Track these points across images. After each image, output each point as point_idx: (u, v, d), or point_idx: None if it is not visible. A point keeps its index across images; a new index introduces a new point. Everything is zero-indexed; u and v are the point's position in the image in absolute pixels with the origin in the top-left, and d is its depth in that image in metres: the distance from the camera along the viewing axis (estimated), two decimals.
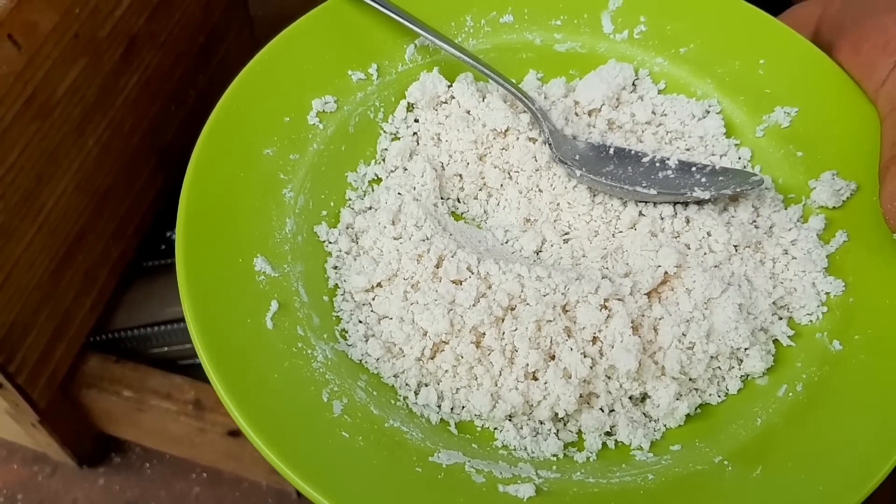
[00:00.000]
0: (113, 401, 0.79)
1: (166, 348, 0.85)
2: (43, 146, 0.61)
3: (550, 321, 0.42)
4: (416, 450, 0.38)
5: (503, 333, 0.42)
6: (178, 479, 0.89)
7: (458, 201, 0.50)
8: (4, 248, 0.61)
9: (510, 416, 0.42)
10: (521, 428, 0.42)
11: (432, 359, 0.43)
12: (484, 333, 0.42)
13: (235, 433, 0.77)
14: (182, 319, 0.82)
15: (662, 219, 0.47)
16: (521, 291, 0.43)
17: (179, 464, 0.89)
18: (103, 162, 0.70)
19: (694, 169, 0.47)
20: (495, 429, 0.42)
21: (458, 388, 0.42)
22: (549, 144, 0.48)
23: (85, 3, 0.61)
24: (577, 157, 0.48)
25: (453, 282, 0.44)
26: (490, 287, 0.43)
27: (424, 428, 0.40)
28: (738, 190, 0.46)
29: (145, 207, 0.81)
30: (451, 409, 0.42)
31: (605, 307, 0.43)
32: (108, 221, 0.74)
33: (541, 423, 0.42)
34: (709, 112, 0.51)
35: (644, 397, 0.43)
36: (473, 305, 0.42)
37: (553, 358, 0.42)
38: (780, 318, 0.44)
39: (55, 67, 0.60)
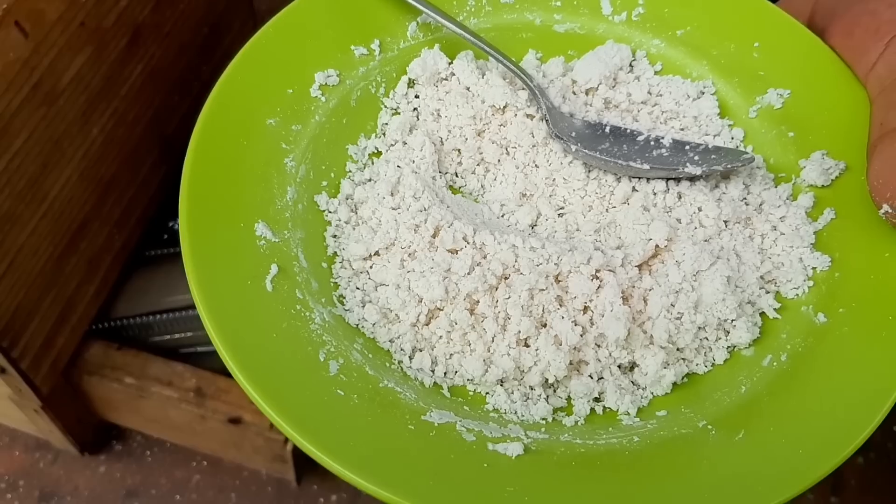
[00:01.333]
0: (114, 388, 0.80)
1: (168, 336, 0.86)
2: (48, 133, 0.62)
3: (543, 290, 0.43)
4: (409, 409, 0.40)
5: (496, 301, 0.43)
6: (179, 466, 0.90)
7: (457, 175, 0.51)
8: (9, 235, 0.62)
9: (501, 380, 0.43)
10: (512, 393, 0.43)
11: (427, 325, 0.44)
12: (478, 301, 0.43)
13: (236, 421, 0.78)
14: (183, 308, 0.84)
15: (655, 194, 0.48)
16: (515, 261, 0.44)
17: (180, 451, 0.90)
18: (107, 151, 0.71)
19: (687, 147, 0.48)
20: (487, 393, 0.43)
21: (451, 354, 0.43)
22: (546, 121, 0.49)
23: None
24: (573, 133, 0.49)
25: (449, 251, 0.45)
26: (485, 257, 0.45)
27: (418, 390, 0.41)
28: (729, 167, 0.47)
29: (148, 197, 0.82)
30: (445, 373, 0.43)
31: (597, 277, 0.44)
32: (111, 210, 0.76)
33: (531, 388, 0.43)
34: (703, 93, 0.52)
35: (632, 366, 0.44)
36: (468, 274, 0.44)
37: (545, 326, 0.43)
38: (768, 292, 0.45)
39: (61, 55, 0.61)
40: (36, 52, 0.58)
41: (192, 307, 0.84)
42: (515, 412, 0.42)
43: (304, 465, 0.82)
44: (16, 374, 0.68)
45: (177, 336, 0.86)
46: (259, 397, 0.37)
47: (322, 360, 0.40)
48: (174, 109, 0.81)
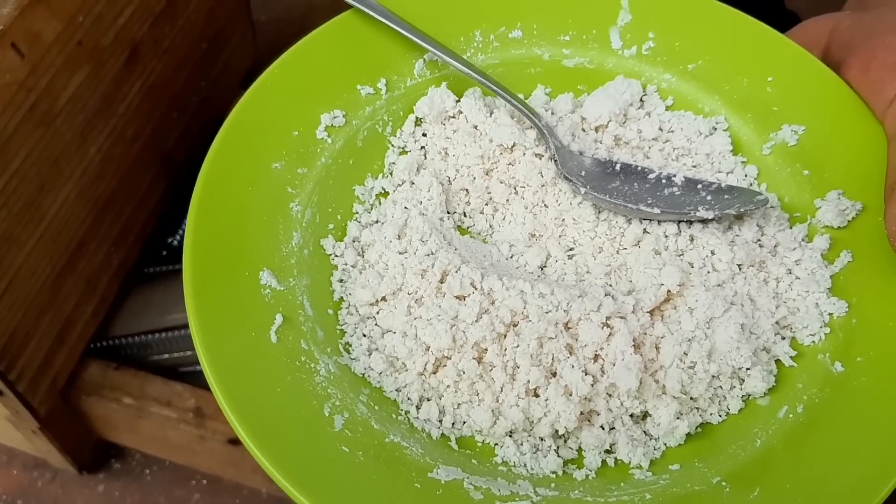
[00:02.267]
0: (113, 408, 0.79)
1: (167, 355, 0.85)
2: (46, 154, 0.62)
3: (552, 338, 0.42)
4: (415, 465, 0.39)
5: (505, 350, 0.42)
6: (178, 485, 0.89)
7: (465, 216, 0.51)
8: (7, 256, 0.61)
9: (510, 432, 0.42)
10: (522, 444, 0.42)
11: (434, 374, 0.43)
12: (486, 349, 0.42)
13: (236, 441, 0.77)
14: (183, 326, 0.83)
15: (667, 237, 0.47)
16: (524, 308, 0.43)
17: (179, 470, 0.89)
18: (106, 169, 0.71)
19: (700, 186, 0.47)
20: (495, 445, 0.42)
21: (459, 404, 0.43)
22: (555, 160, 0.49)
23: (88, 12, 0.62)
24: (582, 173, 0.48)
25: (457, 297, 0.44)
26: (493, 303, 0.44)
27: (425, 443, 0.41)
28: (742, 210, 0.46)
29: (147, 214, 0.81)
30: (453, 423, 0.42)
31: (607, 325, 0.43)
32: (110, 228, 0.75)
33: (541, 439, 0.42)
34: (716, 129, 0.51)
35: (645, 415, 0.43)
36: (476, 321, 0.43)
37: (554, 375, 0.42)
38: (783, 338, 0.44)
39: (58, 75, 0.60)
40: (33, 73, 0.58)
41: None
42: (525, 465, 0.41)
43: None
44: (13, 397, 0.68)
45: (176, 355, 0.85)
46: (266, 460, 0.36)
47: (327, 414, 0.39)
48: (173, 126, 0.80)
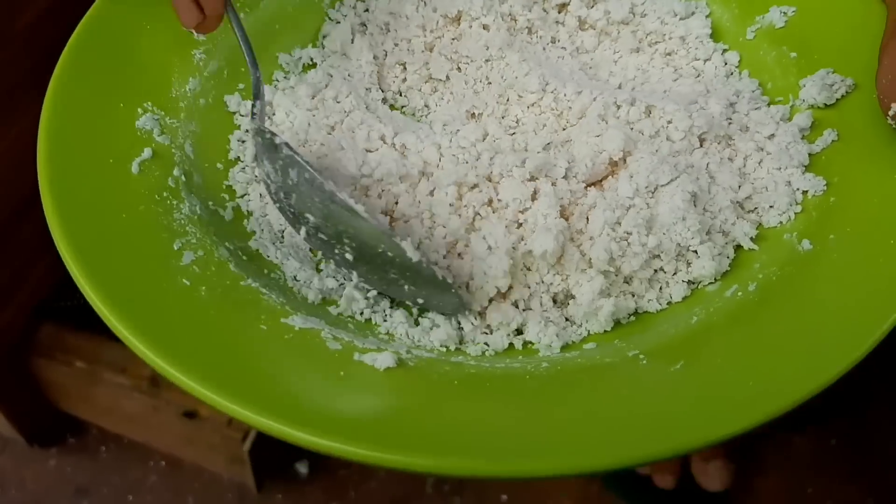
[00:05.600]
0: (64, 372, 0.73)
1: None
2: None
3: (473, 188, 0.36)
4: (267, 308, 0.32)
5: (418, 201, 0.36)
6: (135, 465, 0.81)
7: (400, 95, 0.45)
8: None
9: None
10: (415, 321, 0.35)
11: None
12: (397, 201, 0.36)
13: (192, 415, 0.70)
14: None
15: (619, 106, 0.40)
16: (440, 160, 0.37)
17: (137, 449, 0.81)
18: None
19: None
20: (384, 321, 0.35)
21: None
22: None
23: None
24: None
25: (366, 150, 0.38)
26: (405, 157, 0.38)
27: (293, 300, 0.34)
28: None
29: None
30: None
31: (534, 185, 0.36)
32: None
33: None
34: (694, 12, 0.44)
35: (568, 297, 0.36)
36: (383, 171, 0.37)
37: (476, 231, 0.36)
38: (745, 221, 0.36)
39: None
40: None
41: None
42: (412, 337, 0.34)
43: (265, 469, 0.74)
44: None
45: None
46: (80, 275, 0.31)
47: (176, 248, 0.33)
48: None
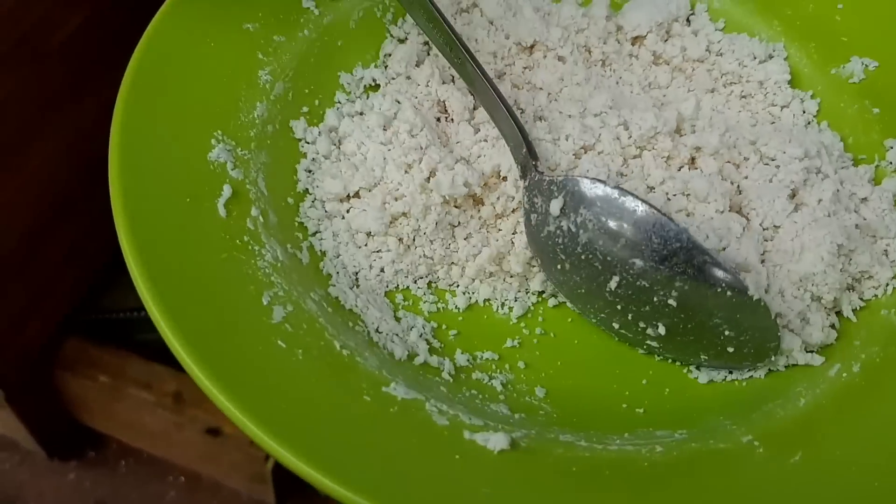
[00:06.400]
0: (88, 386, 0.72)
1: (153, 335, 0.78)
2: (31, 97, 0.55)
3: None
4: (367, 376, 0.31)
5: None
6: (154, 480, 0.81)
7: (468, 123, 0.43)
8: None
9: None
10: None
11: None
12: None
13: (215, 432, 0.69)
14: None
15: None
16: None
17: (156, 465, 0.81)
18: (102, 125, 0.63)
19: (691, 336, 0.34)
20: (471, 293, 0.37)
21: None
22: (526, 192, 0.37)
23: None
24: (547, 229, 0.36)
25: (446, 200, 0.36)
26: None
27: (384, 359, 0.32)
28: (749, 373, 0.35)
29: None
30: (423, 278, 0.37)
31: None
32: (100, 194, 0.67)
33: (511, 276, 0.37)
34: (773, 56, 0.43)
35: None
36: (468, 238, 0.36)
37: None
38: (850, 289, 0.36)
39: (53, 11, 0.54)
40: (22, 4, 0.52)
41: None
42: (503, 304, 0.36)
43: (287, 487, 0.73)
44: None
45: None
46: (173, 337, 0.28)
47: (266, 303, 0.31)
48: None
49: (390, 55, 0.43)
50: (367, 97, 0.42)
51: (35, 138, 0.58)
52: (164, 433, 0.73)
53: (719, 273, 0.32)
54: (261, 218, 0.34)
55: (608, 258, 0.33)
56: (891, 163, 0.39)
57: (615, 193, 0.33)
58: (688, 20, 0.45)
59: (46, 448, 0.79)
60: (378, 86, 0.42)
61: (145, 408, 0.71)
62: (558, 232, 0.34)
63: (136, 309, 0.77)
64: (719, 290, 0.32)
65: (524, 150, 0.36)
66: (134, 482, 0.80)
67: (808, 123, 0.42)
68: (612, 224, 0.33)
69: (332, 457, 0.27)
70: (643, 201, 0.32)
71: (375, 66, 0.43)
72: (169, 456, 0.78)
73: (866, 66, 0.42)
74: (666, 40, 0.44)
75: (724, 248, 0.35)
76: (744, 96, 0.43)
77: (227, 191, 0.34)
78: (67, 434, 0.80)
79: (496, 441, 0.29)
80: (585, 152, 0.38)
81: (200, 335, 0.28)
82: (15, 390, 0.68)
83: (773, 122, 0.42)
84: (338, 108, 0.41)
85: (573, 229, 0.34)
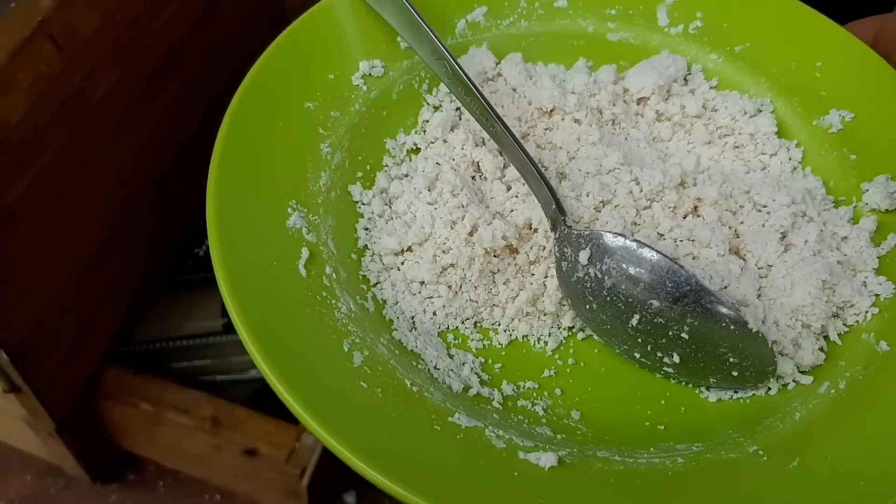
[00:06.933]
0: (130, 413, 0.77)
1: (187, 363, 0.84)
2: (77, 150, 0.60)
3: None
4: (435, 408, 0.37)
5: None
6: (191, 499, 0.86)
7: (500, 180, 0.49)
8: (32, 251, 0.60)
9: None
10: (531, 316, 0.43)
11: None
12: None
13: (252, 452, 0.75)
14: (203, 335, 0.81)
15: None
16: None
17: (193, 484, 0.86)
18: (136, 171, 0.69)
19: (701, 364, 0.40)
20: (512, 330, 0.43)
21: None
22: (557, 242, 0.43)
23: (127, 11, 0.61)
24: (577, 275, 0.41)
25: (487, 251, 0.42)
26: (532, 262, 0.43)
27: (445, 392, 0.39)
28: (753, 392, 0.41)
29: (175, 220, 0.80)
30: (474, 322, 0.43)
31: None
32: (137, 231, 0.73)
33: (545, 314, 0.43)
34: (761, 110, 0.50)
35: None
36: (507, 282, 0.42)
37: None
38: (835, 316, 0.42)
39: (94, 72, 0.59)
40: (69, 66, 0.57)
41: (213, 334, 0.83)
42: (539, 339, 0.42)
43: (318, 502, 0.79)
44: (31, 394, 0.66)
45: (196, 363, 0.83)
46: (281, 386, 0.34)
47: (346, 349, 0.37)
48: (209, 131, 0.78)
49: (428, 121, 0.49)
50: (410, 160, 0.48)
51: (80, 186, 0.63)
52: (204, 455, 0.78)
53: (723, 310, 0.38)
54: (334, 274, 0.41)
55: (629, 299, 0.39)
56: (867, 204, 0.45)
57: (633, 245, 0.39)
58: (685, 79, 0.51)
59: (90, 473, 0.84)
60: (419, 149, 0.49)
61: (185, 432, 0.76)
62: (586, 277, 0.40)
63: (168, 339, 0.83)
64: (724, 324, 0.38)
65: (553, 206, 0.42)
66: (172, 501, 0.86)
67: (794, 169, 0.48)
68: (632, 271, 0.39)
69: (414, 478, 0.33)
70: (657, 251, 0.39)
71: (416, 132, 0.49)
72: (206, 476, 0.83)
73: (843, 117, 0.48)
74: (667, 99, 0.50)
75: (725, 287, 0.41)
76: (737, 147, 0.49)
77: (305, 253, 0.40)
78: (109, 459, 0.85)
79: (546, 459, 0.35)
80: (604, 206, 0.44)
81: (300, 382, 0.34)
82: (64, 422, 0.72)
83: (764, 169, 0.48)
84: (386, 171, 0.47)
85: (599, 276, 0.40)
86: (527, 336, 0.43)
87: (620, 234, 0.40)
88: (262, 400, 0.81)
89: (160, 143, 0.71)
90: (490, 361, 0.42)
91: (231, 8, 0.76)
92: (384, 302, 0.42)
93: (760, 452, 0.37)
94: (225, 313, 0.80)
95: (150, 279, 0.79)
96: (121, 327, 0.77)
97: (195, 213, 0.79)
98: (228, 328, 0.83)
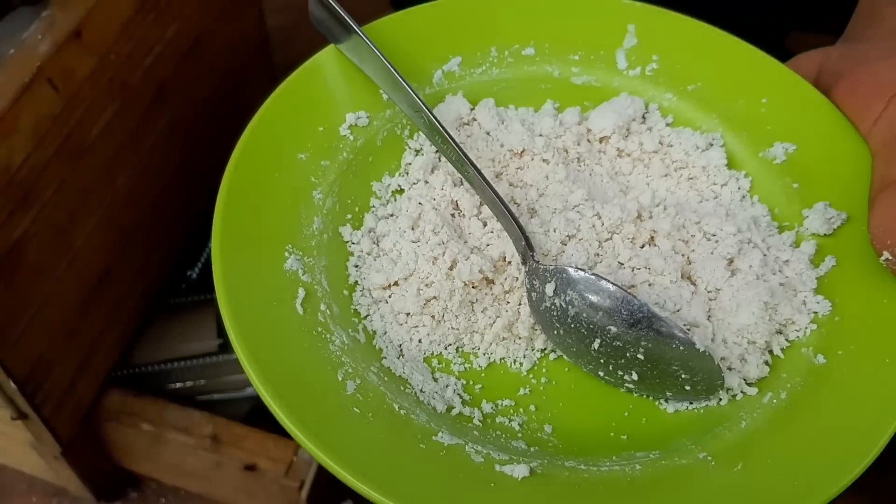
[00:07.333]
0: (132, 434, 0.80)
1: (183, 384, 0.88)
2: (75, 185, 0.64)
3: None
4: (420, 429, 0.42)
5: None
6: None
7: (476, 217, 0.54)
8: (36, 284, 0.63)
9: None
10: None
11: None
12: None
13: (252, 468, 0.79)
14: (199, 356, 0.86)
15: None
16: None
17: (194, 499, 0.90)
18: (131, 201, 0.73)
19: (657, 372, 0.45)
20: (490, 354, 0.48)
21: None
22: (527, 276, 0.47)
23: (119, 51, 0.65)
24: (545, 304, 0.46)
25: (465, 283, 0.47)
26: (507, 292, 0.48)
27: (430, 413, 0.43)
28: (706, 403, 0.45)
29: (169, 245, 0.84)
30: (452, 345, 0.48)
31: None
32: (134, 258, 0.77)
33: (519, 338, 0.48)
34: (712, 145, 0.55)
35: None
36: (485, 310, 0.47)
37: None
38: (779, 332, 0.47)
39: (90, 110, 0.63)
40: (67, 107, 0.60)
41: (208, 355, 0.87)
42: (515, 361, 0.47)
43: None
44: (38, 421, 0.69)
45: (192, 383, 0.87)
46: (283, 415, 0.39)
47: (340, 379, 0.42)
48: (197, 161, 0.83)
49: (410, 164, 0.54)
50: (395, 199, 0.53)
51: (80, 219, 0.67)
52: (205, 472, 0.82)
53: (673, 332, 0.43)
54: (328, 311, 0.45)
55: (591, 326, 0.44)
56: (807, 229, 0.50)
57: (593, 278, 0.44)
58: (643, 117, 0.56)
59: (94, 493, 0.87)
60: (403, 190, 0.53)
61: (186, 450, 0.80)
62: (553, 307, 0.45)
63: (165, 361, 0.86)
64: (674, 345, 0.43)
65: (523, 242, 0.47)
66: None
67: (743, 198, 0.53)
68: (592, 300, 0.44)
69: (402, 491, 0.38)
70: (614, 283, 0.43)
71: (399, 175, 0.54)
72: (208, 492, 0.87)
73: (787, 149, 0.53)
74: (626, 137, 0.55)
75: (678, 310, 0.46)
76: (691, 178, 0.54)
77: (301, 293, 0.45)
78: (113, 478, 0.88)
79: (519, 471, 0.40)
80: (570, 240, 0.49)
81: (300, 411, 0.39)
82: (69, 445, 0.76)
83: (716, 198, 0.53)
84: (373, 211, 0.52)
85: (564, 305, 0.45)
86: (504, 358, 0.48)
87: (581, 269, 0.44)
88: (259, 416, 0.84)
89: (152, 173, 0.75)
90: (471, 383, 0.47)
91: (215, 43, 0.80)
92: (374, 333, 0.47)
93: (709, 458, 0.41)
94: (220, 334, 0.84)
95: (146, 303, 0.83)
96: (121, 351, 0.81)
97: (187, 237, 0.84)
98: (223, 348, 0.87)
